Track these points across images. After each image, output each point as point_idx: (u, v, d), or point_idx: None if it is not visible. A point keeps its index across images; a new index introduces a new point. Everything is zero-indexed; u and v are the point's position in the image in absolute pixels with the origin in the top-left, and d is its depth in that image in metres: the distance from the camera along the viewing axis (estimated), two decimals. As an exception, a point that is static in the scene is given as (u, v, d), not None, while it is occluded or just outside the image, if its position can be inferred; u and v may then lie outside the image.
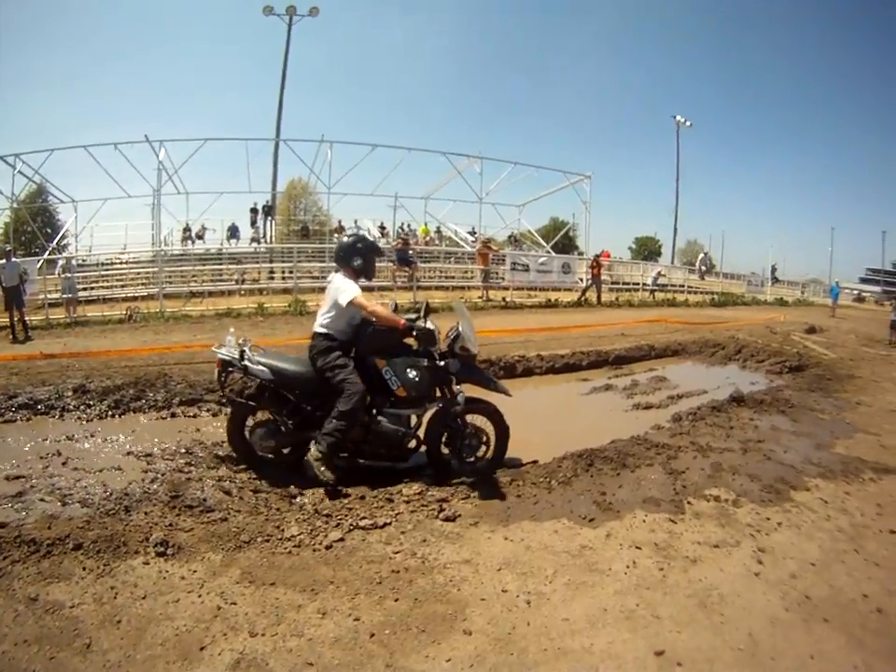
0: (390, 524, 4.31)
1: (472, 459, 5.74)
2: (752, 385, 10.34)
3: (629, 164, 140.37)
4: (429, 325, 5.46)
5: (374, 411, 5.49)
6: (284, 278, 21.89)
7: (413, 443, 5.69)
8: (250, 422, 5.70)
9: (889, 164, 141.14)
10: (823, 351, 14.42)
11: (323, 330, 5.45)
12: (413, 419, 5.68)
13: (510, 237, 36.22)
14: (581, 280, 25.34)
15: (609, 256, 36.08)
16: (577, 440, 6.39)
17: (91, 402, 7.38)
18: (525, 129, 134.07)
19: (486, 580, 3.61)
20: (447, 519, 4.45)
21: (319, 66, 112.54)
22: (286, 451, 5.72)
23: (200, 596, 3.28)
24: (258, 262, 26.15)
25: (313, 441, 5.25)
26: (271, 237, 31.99)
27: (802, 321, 20.21)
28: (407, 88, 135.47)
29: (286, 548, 3.89)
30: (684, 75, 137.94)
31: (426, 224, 33.50)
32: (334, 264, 5.86)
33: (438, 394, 5.66)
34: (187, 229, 30.36)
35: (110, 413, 7.25)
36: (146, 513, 4.25)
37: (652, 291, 27.91)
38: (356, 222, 32.89)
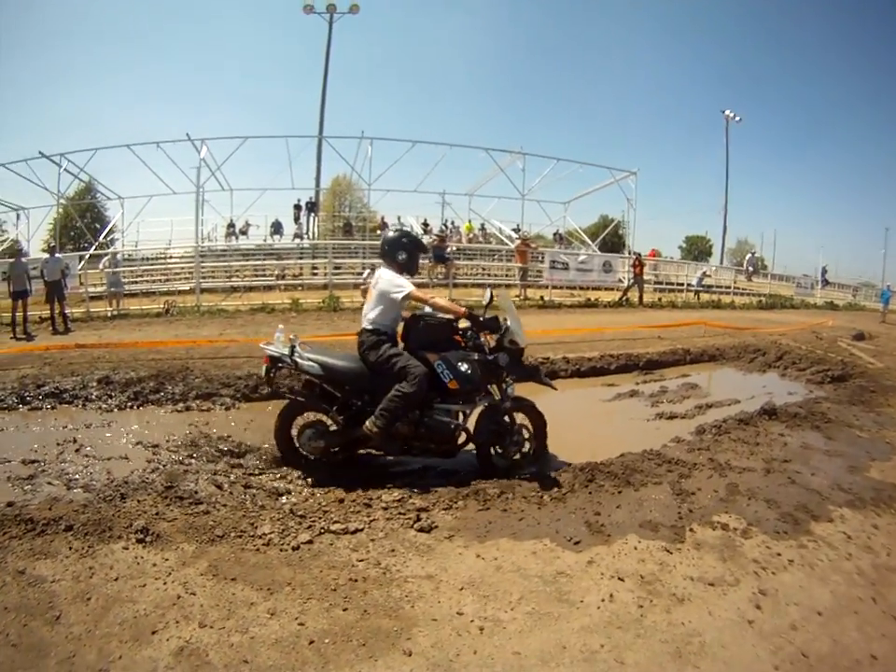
0: (362, 530, 4.21)
1: (518, 457, 5.77)
2: (790, 396, 9.66)
3: (680, 162, 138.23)
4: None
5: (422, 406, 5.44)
6: (325, 274, 21.76)
7: (462, 438, 5.68)
8: (298, 422, 5.73)
9: None
10: (870, 360, 13.65)
11: (371, 326, 5.46)
12: (461, 415, 5.66)
13: (555, 235, 35.69)
14: (623, 280, 24.74)
15: (655, 255, 35.35)
16: (585, 451, 6.14)
17: (113, 393, 7.71)
18: (569, 125, 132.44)
19: (444, 599, 3.42)
20: (422, 530, 4.23)
21: (362, 62, 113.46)
22: (333, 451, 5.61)
23: (165, 584, 3.38)
24: (301, 258, 26.50)
25: (368, 420, 5.21)
26: (314, 233, 32.12)
27: (850, 326, 19.37)
28: (449, 83, 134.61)
29: (255, 545, 3.90)
30: (734, 68, 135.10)
31: (469, 221, 33.46)
32: (379, 259, 6.03)
33: (486, 390, 5.71)
34: (231, 224, 30.82)
35: (129, 404, 7.59)
36: (138, 501, 4.38)
37: (697, 292, 27.03)
38: (399, 219, 32.75)
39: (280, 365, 5.57)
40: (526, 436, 5.81)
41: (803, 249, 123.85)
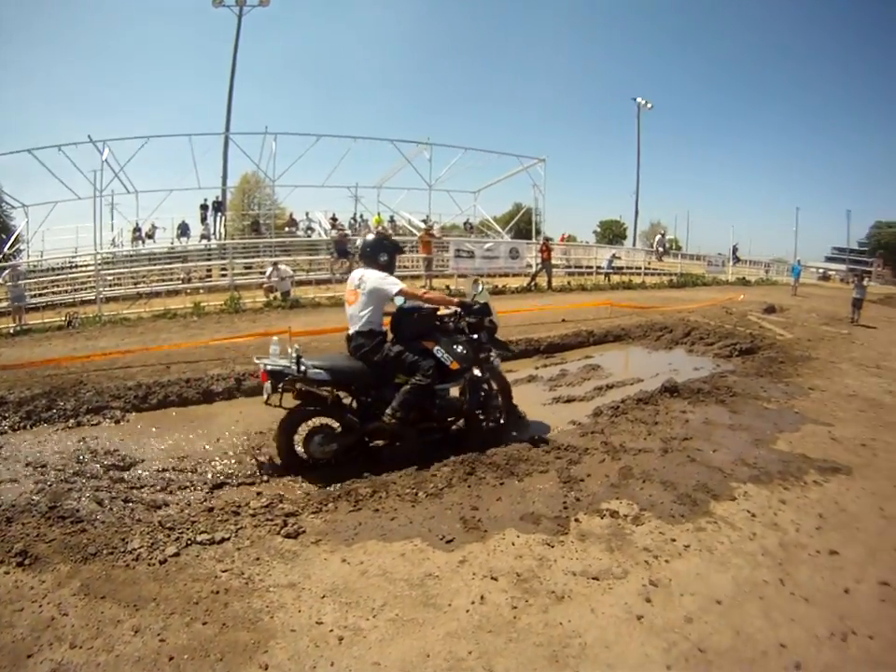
0: (229, 539, 3.95)
1: (498, 415, 6.31)
2: (695, 372, 9.69)
3: (595, 148, 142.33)
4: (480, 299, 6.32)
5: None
6: (234, 275, 21.00)
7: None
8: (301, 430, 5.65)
9: (854, 144, 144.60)
10: (780, 331, 13.90)
11: (367, 328, 5.58)
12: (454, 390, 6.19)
13: (465, 224, 35.68)
14: (531, 265, 24.56)
15: (565, 239, 35.57)
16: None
17: (7, 414, 7.14)
18: (481, 116, 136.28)
19: (305, 608, 3.21)
20: (289, 536, 3.96)
21: (268, 58, 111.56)
22: (347, 450, 5.65)
23: (41, 606, 3.26)
24: (209, 259, 25.17)
25: (385, 414, 5.43)
26: (221, 233, 30.93)
27: (762, 301, 19.67)
28: (357, 77, 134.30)
29: (125, 561, 3.71)
30: (645, 55, 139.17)
31: (379, 214, 32.80)
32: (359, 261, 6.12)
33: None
34: (136, 228, 29.26)
35: (22, 424, 7.00)
36: (23, 524, 4.17)
37: (608, 274, 27.17)
38: (307, 215, 32.65)
39: (287, 378, 5.36)
40: (499, 399, 6.37)
41: (718, 229, 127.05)
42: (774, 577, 3.55)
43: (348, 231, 24.81)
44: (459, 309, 6.10)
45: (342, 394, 5.74)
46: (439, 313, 6.12)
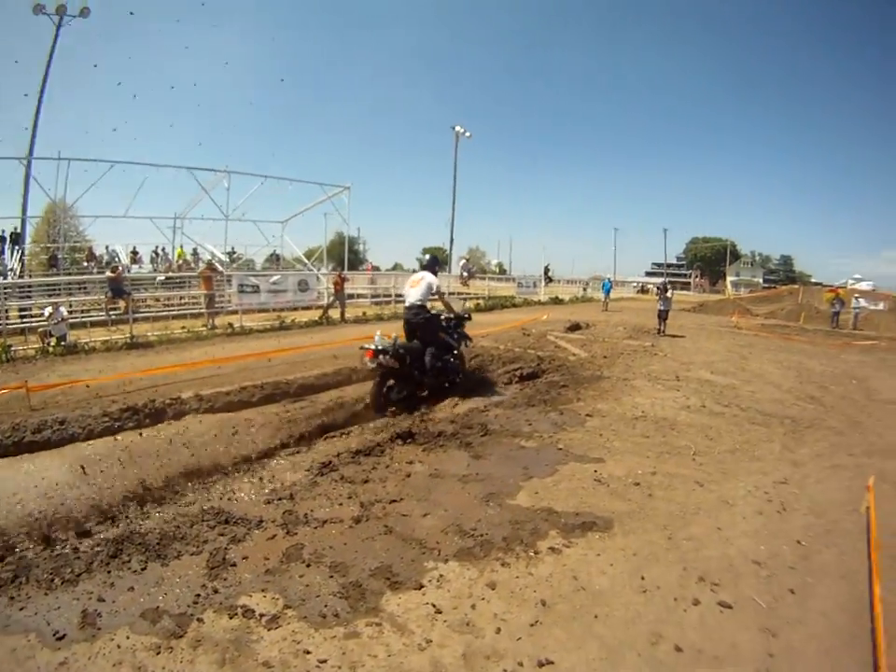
0: None
1: (459, 377, 9.87)
2: (455, 408, 8.76)
3: (424, 176, 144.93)
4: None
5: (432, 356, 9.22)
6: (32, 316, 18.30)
7: None
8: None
9: (670, 167, 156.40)
10: (576, 350, 13.80)
11: (421, 302, 9.39)
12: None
13: (272, 255, 34.58)
14: (323, 297, 23.43)
15: (372, 269, 34.99)
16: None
17: None
18: (297, 144, 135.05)
19: None
20: None
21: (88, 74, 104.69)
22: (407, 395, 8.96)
23: None
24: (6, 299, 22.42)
25: (427, 375, 9.13)
26: (18, 269, 27.90)
27: (566, 319, 19.88)
28: (162, 101, 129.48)
29: None
30: (466, 87, 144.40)
31: (181, 247, 30.97)
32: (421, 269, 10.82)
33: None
34: None
35: None
36: None
37: None
38: (107, 248, 30.04)
39: (384, 353, 8.46)
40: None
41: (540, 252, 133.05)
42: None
43: (121, 266, 22.65)
44: (452, 315, 10.12)
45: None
46: (441, 316, 9.92)
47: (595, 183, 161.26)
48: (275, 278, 21.80)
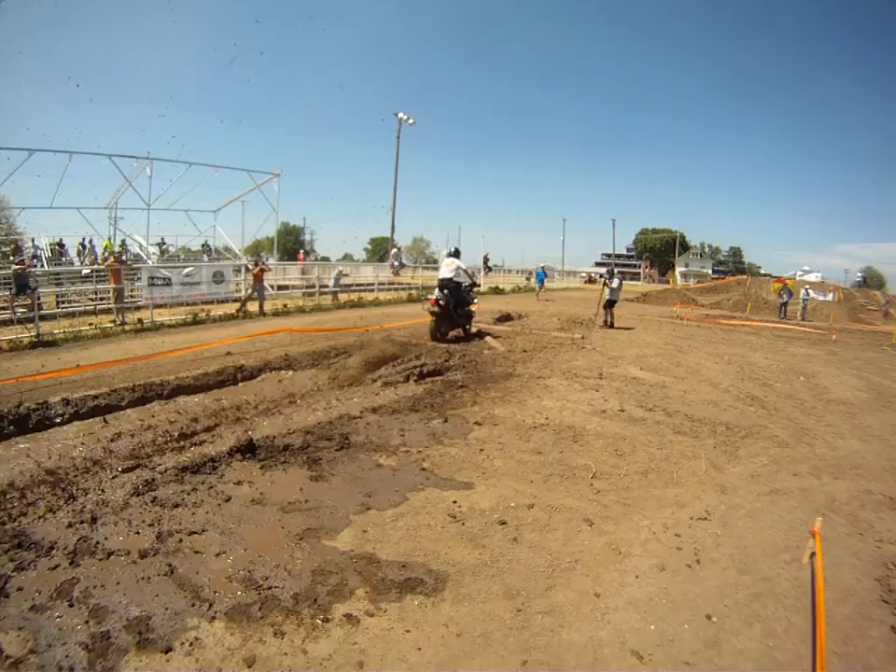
0: None
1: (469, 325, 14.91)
2: (326, 411, 7.72)
3: (377, 164, 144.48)
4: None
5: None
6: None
7: None
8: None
9: (619, 159, 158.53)
10: (494, 344, 13.21)
11: (451, 276, 13.93)
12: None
13: (203, 245, 33.62)
14: (241, 289, 22.14)
15: (302, 258, 34.10)
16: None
17: None
18: (252, 136, 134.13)
19: None
20: None
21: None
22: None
23: None
24: None
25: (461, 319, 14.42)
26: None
27: (500, 310, 19.27)
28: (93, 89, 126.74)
29: None
30: (410, 76, 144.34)
31: (109, 238, 29.23)
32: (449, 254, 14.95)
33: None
34: None
35: None
36: None
37: (335, 293, 25.20)
38: (32, 241, 28.97)
39: (438, 303, 13.48)
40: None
41: (489, 242, 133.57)
42: None
43: (27, 259, 21.25)
44: (469, 283, 14.76)
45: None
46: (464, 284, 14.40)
47: (545, 174, 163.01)
48: (188, 270, 20.46)
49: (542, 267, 36.10)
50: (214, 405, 7.96)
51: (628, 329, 17.75)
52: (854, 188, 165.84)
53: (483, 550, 4.15)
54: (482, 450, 6.14)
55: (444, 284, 13.85)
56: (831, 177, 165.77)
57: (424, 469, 5.55)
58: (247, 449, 5.83)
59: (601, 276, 24.97)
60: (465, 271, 14.61)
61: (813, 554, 3.98)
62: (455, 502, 4.88)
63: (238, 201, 31.33)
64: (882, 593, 3.96)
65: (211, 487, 5.03)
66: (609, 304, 18.02)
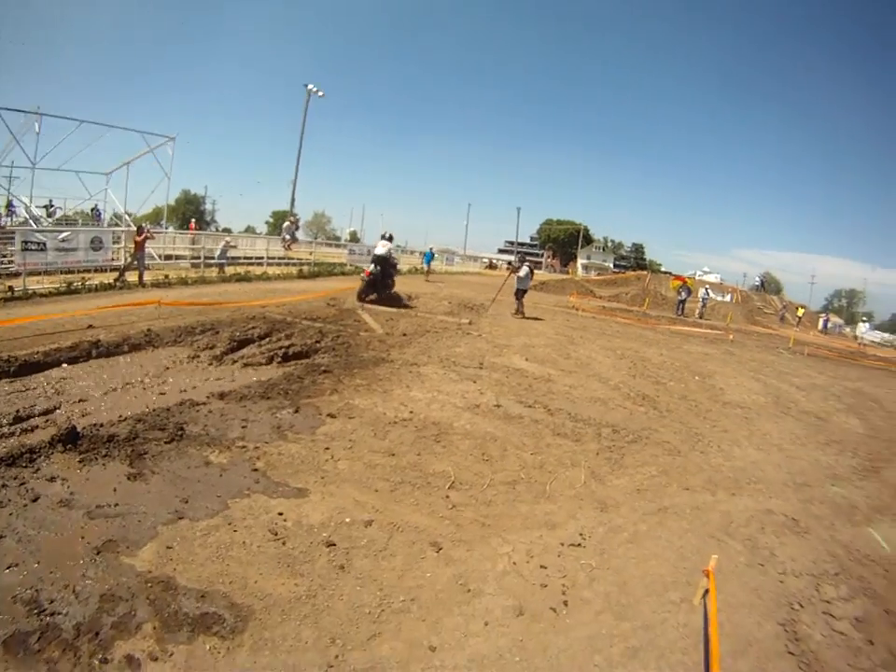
0: None
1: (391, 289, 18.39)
2: (183, 394, 7.21)
3: (277, 136, 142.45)
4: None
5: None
6: None
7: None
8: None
9: (526, 147, 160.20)
10: (374, 325, 12.88)
11: (383, 253, 17.64)
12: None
13: (93, 210, 32.07)
14: (121, 257, 20.92)
15: (194, 228, 33.02)
16: None
17: None
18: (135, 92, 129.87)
19: None
20: None
21: None
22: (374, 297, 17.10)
23: None
24: None
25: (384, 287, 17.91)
26: None
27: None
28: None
29: None
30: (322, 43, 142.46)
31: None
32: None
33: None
34: None
35: None
36: None
37: (221, 265, 24.46)
38: None
39: (372, 274, 17.18)
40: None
41: (393, 221, 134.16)
42: None
43: None
44: (395, 260, 20.04)
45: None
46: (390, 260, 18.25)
47: (452, 158, 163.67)
48: (64, 234, 19.21)
49: (430, 249, 37.26)
50: (58, 385, 7.16)
51: (537, 319, 17.91)
52: (757, 194, 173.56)
53: (300, 579, 3.72)
54: (327, 448, 5.74)
55: (378, 260, 17.36)
56: (735, 181, 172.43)
57: (256, 470, 5.11)
58: (69, 439, 5.29)
59: (509, 264, 25.02)
60: (392, 251, 18.55)
61: (706, 592, 3.65)
62: (280, 514, 4.44)
63: (131, 164, 29.83)
64: (787, 642, 3.66)
65: (22, 484, 4.53)
66: (519, 294, 18.12)
